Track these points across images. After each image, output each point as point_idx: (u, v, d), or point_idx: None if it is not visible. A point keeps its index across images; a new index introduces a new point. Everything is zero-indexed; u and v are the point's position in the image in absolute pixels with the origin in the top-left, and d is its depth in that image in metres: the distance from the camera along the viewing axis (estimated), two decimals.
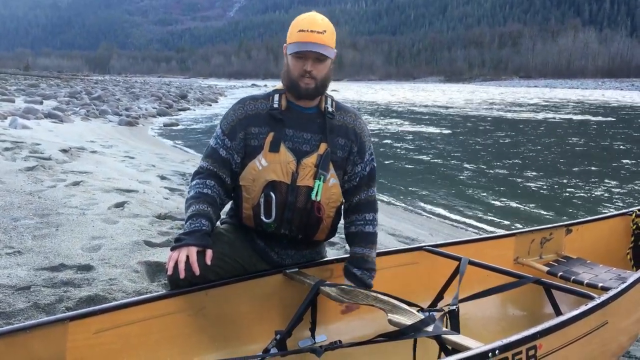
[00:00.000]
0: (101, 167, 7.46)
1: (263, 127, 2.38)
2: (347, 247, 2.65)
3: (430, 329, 1.99)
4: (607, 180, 10.28)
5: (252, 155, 2.37)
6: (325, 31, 2.31)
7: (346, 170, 2.49)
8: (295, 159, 2.35)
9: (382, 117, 25.85)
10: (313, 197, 2.34)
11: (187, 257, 2.18)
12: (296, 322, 2.33)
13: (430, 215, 7.57)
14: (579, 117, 27.15)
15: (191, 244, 2.21)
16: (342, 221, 2.61)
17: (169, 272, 2.20)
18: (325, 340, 2.51)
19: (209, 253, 2.23)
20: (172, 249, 2.22)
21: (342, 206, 2.53)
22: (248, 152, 2.39)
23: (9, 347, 1.82)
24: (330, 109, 2.45)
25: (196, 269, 2.16)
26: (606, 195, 9.09)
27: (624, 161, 12.72)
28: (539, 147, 15.21)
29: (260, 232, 2.46)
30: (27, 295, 2.93)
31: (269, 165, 2.33)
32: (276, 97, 2.43)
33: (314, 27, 2.30)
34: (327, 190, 2.38)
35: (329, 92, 2.51)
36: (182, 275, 2.15)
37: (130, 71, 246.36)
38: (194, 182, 2.42)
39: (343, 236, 4.49)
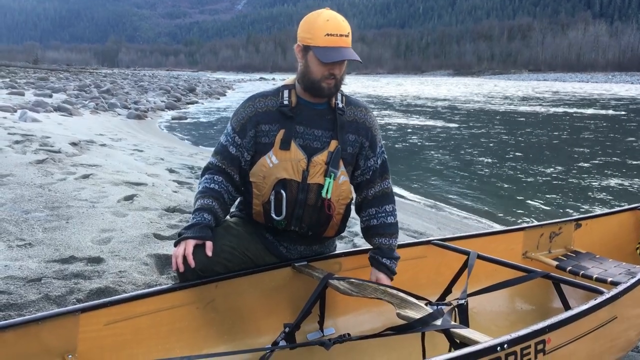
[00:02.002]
0: (110, 160, 7.50)
1: (273, 124, 2.38)
2: (364, 238, 2.64)
3: (438, 322, 1.99)
4: (616, 175, 10.22)
5: (262, 152, 2.37)
6: (349, 33, 2.29)
7: (358, 164, 2.49)
8: (306, 157, 2.34)
9: (390, 111, 25.79)
10: (323, 195, 2.34)
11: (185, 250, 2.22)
12: (305, 315, 2.34)
13: (439, 209, 7.56)
14: (589, 111, 26.96)
15: (189, 237, 2.24)
16: (353, 214, 2.61)
17: (173, 268, 2.26)
18: (334, 333, 2.52)
19: (209, 245, 2.25)
20: (175, 245, 2.27)
21: (353, 201, 2.53)
22: (258, 149, 2.39)
23: (21, 338, 1.84)
24: (340, 105, 2.44)
25: (191, 262, 2.18)
26: (616, 189, 9.03)
27: (635, 156, 12.63)
28: (548, 141, 15.13)
29: (270, 227, 2.47)
30: (38, 287, 2.96)
31: (280, 163, 2.33)
32: (285, 93, 2.41)
33: (340, 30, 2.26)
34: (337, 187, 2.37)
35: None
36: (181, 269, 2.20)
37: (138, 64, 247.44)
38: (203, 178, 2.45)
39: (352, 230, 4.52)
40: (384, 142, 2.60)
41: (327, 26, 2.25)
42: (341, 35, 2.25)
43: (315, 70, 2.30)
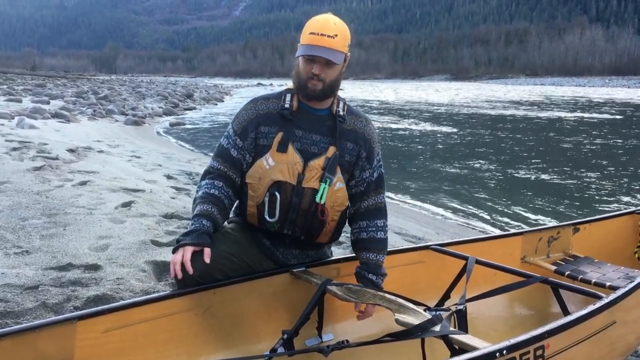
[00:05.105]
0: (108, 167, 7.49)
1: (273, 127, 2.39)
2: (353, 252, 2.61)
3: (437, 328, 1.99)
4: (615, 179, 10.23)
5: (260, 153, 2.38)
6: (336, 35, 2.29)
7: (354, 174, 2.48)
8: (303, 161, 2.34)
9: (388, 116, 25.81)
10: (317, 200, 2.34)
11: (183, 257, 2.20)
12: (303, 321, 2.33)
13: (437, 214, 7.56)
14: (586, 115, 27.02)
15: (187, 243, 2.23)
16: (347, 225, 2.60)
17: (171, 275, 2.24)
18: (332, 340, 2.51)
19: (207, 251, 2.24)
20: (173, 251, 2.25)
21: (349, 211, 2.51)
22: (257, 151, 2.40)
23: (18, 346, 1.83)
24: (341, 113, 2.44)
25: (189, 269, 2.17)
26: (614, 193, 9.04)
27: (632, 159, 12.65)
28: (545, 146, 15.15)
29: (265, 231, 2.46)
30: (36, 294, 2.95)
31: (276, 165, 2.33)
32: (288, 97, 2.43)
33: (325, 30, 2.28)
34: (333, 193, 2.37)
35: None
36: (179, 275, 2.19)
37: (136, 71, 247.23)
38: (203, 183, 2.43)
39: (349, 236, 4.52)
40: (381, 154, 2.59)
41: (313, 26, 2.32)
42: (323, 35, 2.28)
43: (301, 68, 2.35)
